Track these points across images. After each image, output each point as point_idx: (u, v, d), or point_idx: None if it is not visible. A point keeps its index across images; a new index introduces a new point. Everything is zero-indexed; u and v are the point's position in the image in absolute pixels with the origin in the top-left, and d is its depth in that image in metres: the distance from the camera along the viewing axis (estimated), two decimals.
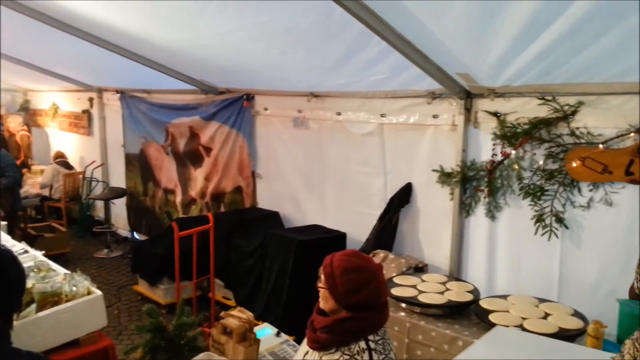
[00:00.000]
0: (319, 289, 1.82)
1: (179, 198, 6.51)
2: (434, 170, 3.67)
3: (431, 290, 3.30)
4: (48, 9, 4.23)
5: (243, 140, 5.42)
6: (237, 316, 2.22)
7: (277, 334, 2.62)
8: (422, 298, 3.18)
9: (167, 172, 6.65)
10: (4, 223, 4.89)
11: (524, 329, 2.68)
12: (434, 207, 3.83)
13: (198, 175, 6.12)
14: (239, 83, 5.24)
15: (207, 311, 4.70)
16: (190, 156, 6.18)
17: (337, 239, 4.35)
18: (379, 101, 4.05)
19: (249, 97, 5.21)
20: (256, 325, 2.39)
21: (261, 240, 4.60)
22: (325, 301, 1.79)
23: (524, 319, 2.82)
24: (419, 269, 3.78)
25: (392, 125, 4.02)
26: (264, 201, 5.38)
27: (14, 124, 8.92)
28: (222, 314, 2.32)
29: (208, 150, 5.88)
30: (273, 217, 5.13)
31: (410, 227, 4.04)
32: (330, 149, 4.60)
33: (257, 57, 4.11)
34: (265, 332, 2.62)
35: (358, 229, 4.32)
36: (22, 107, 9.59)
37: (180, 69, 5.15)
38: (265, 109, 5.13)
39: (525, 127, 3.11)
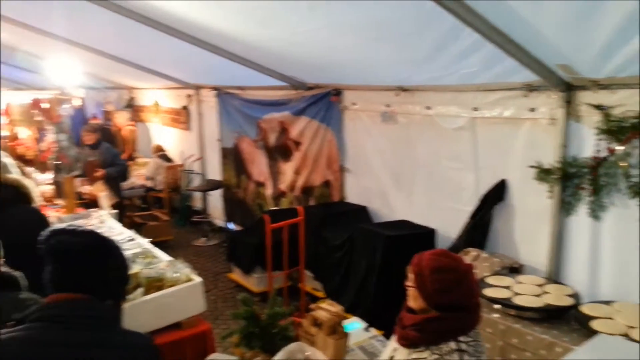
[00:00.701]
0: (408, 287, 1.82)
1: (269, 191, 6.74)
2: (530, 167, 3.50)
3: (527, 292, 3.16)
4: (152, 13, 4.53)
5: (332, 135, 5.49)
6: (327, 309, 2.27)
7: (366, 329, 2.64)
8: (518, 300, 3.06)
9: (259, 165, 6.90)
10: (114, 211, 5.35)
11: (630, 339, 2.50)
12: (531, 205, 3.65)
13: (287, 169, 6.29)
14: (327, 78, 5.30)
15: (297, 301, 4.85)
16: (280, 150, 6.36)
17: (425, 235, 4.29)
18: (471, 94, 3.92)
19: (337, 92, 5.26)
20: (345, 318, 2.44)
21: (349, 234, 4.65)
22: (414, 300, 1.79)
23: (630, 327, 2.63)
24: (514, 270, 3.63)
25: (484, 119, 3.88)
26: (352, 195, 5.43)
27: (121, 119, 9.68)
28: (312, 305, 2.38)
29: (297, 144, 6.02)
30: (361, 212, 5.16)
31: (505, 225, 3.89)
32: (419, 143, 4.53)
33: (345, 52, 4.14)
34: (354, 326, 2.65)
35: (448, 225, 4.23)
36: (128, 104, 10.33)
37: (272, 66, 5.31)
38: (354, 104, 5.15)
39: (634, 121, 2.87)
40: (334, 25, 3.57)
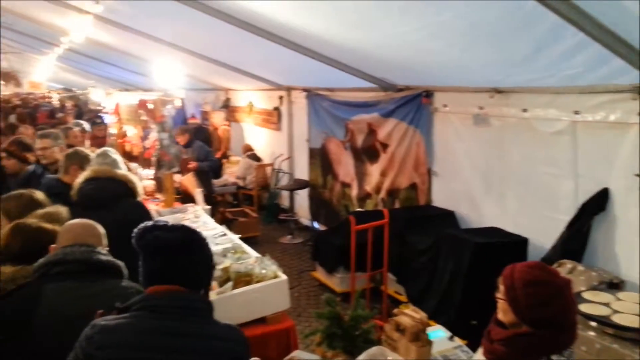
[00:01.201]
0: (498, 299, 1.75)
1: (354, 192, 6.76)
2: (637, 175, 3.23)
3: (628, 310, 2.92)
4: (249, 17, 4.72)
5: (420, 137, 5.40)
6: (411, 315, 2.25)
7: (451, 338, 2.58)
8: (617, 318, 2.83)
9: (345, 166, 6.94)
10: (207, 207, 5.64)
11: None
12: (635, 217, 3.37)
13: (374, 171, 6.28)
14: (418, 80, 5.23)
15: (379, 304, 4.83)
16: (367, 152, 6.36)
17: (517, 244, 4.10)
18: (573, 97, 3.68)
19: (428, 93, 5.17)
20: (429, 326, 2.39)
21: (435, 239, 4.55)
22: (504, 313, 1.72)
23: None
24: (613, 285, 3.36)
25: (587, 123, 3.63)
26: (439, 199, 5.30)
27: (218, 119, 10.16)
28: (395, 310, 2.37)
29: (385, 146, 5.99)
30: (448, 217, 5.03)
31: (605, 237, 3.61)
32: (513, 147, 4.33)
33: (438, 54, 4.06)
34: (438, 334, 2.60)
35: (541, 234, 4.01)
36: (224, 104, 10.81)
37: (362, 68, 5.32)
38: (445, 106, 5.03)
39: None
40: (426, 28, 3.52)
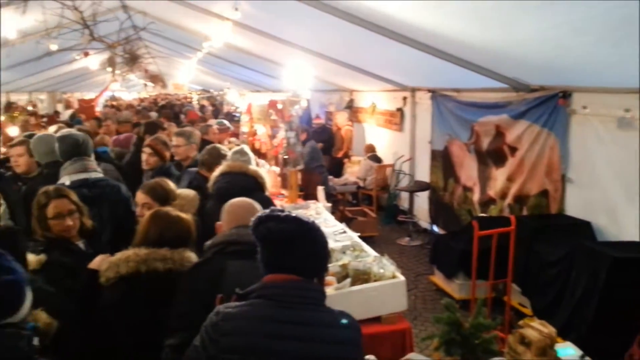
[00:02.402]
0: None
1: (476, 196, 6.50)
2: None
3: None
4: (373, 17, 4.77)
5: (554, 141, 5.04)
6: (538, 328, 2.12)
7: (582, 357, 2.39)
8: None
9: (468, 169, 6.70)
10: (328, 204, 5.79)
11: None
12: None
13: (499, 175, 5.98)
14: (555, 79, 4.88)
15: (500, 315, 4.60)
16: (493, 155, 6.08)
17: None
18: None
19: (565, 94, 4.80)
20: (557, 342, 2.24)
21: (567, 250, 4.23)
22: None
23: None
24: None
25: None
26: (573, 208, 4.90)
27: (341, 119, 10.37)
28: (521, 322, 2.24)
29: (513, 150, 5.68)
30: (583, 227, 4.63)
31: None
32: None
33: (578, 51, 3.79)
34: (567, 352, 2.42)
35: None
36: (348, 105, 11.00)
37: (492, 67, 5.11)
38: (584, 108, 4.64)
39: None
40: (569, 23, 3.29)
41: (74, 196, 2.99)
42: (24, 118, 13.40)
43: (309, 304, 1.74)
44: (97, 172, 3.84)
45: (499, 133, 5.90)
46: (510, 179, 5.78)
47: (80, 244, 2.96)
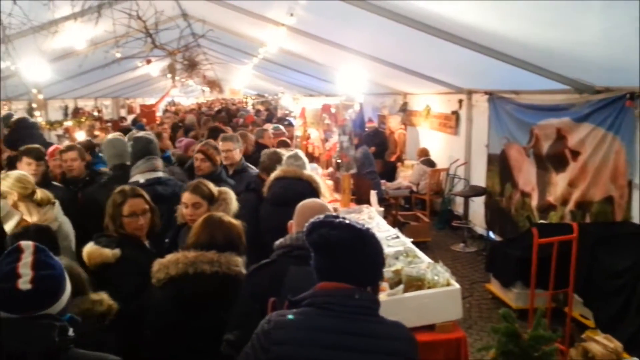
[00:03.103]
0: None
1: (535, 202, 6.27)
2: None
3: None
4: (427, 18, 4.71)
5: (620, 145, 4.79)
6: (603, 343, 2.02)
7: None
8: None
9: (526, 174, 6.48)
10: (381, 209, 5.75)
11: None
12: None
13: (559, 181, 5.75)
14: (621, 80, 4.63)
15: (561, 326, 4.42)
16: (554, 159, 5.84)
17: None
18: None
19: (634, 96, 4.55)
20: (624, 358, 2.13)
21: (634, 260, 4.01)
22: None
23: None
24: None
25: None
26: None
27: (394, 123, 10.29)
28: (584, 335, 2.15)
29: (575, 154, 5.44)
30: None
31: None
32: None
33: None
34: None
35: None
36: (401, 108, 10.89)
37: (554, 68, 4.92)
38: None
39: None
40: (634, 22, 3.12)
41: (147, 197, 3.14)
42: (89, 123, 14.13)
43: (362, 314, 1.69)
44: (164, 173, 4.13)
45: (560, 136, 5.67)
46: (571, 185, 5.54)
47: (146, 243, 3.11)
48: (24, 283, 1.67)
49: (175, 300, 2.46)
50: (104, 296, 2.29)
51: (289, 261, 2.25)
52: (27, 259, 1.72)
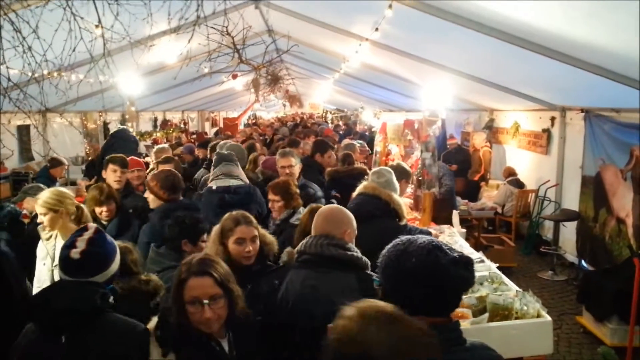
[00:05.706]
0: None
1: (630, 230, 5.73)
2: None
3: None
4: (517, 30, 4.46)
5: None
6: None
7: None
8: None
9: (620, 198, 5.96)
10: (463, 230, 5.49)
11: None
12: None
13: None
14: None
15: None
16: None
17: None
18: None
19: None
20: None
21: None
22: None
23: None
24: None
25: None
26: None
27: (479, 140, 9.87)
28: None
29: None
30: None
31: None
32: None
33: None
34: None
35: None
36: (487, 125, 10.44)
37: None
38: None
39: None
40: None
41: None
42: (176, 134, 14.86)
43: (453, 345, 1.59)
44: (240, 180, 4.23)
45: None
46: None
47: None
48: (75, 253, 2.07)
49: None
50: (152, 277, 2.55)
51: (295, 265, 2.47)
52: (87, 235, 2.13)
